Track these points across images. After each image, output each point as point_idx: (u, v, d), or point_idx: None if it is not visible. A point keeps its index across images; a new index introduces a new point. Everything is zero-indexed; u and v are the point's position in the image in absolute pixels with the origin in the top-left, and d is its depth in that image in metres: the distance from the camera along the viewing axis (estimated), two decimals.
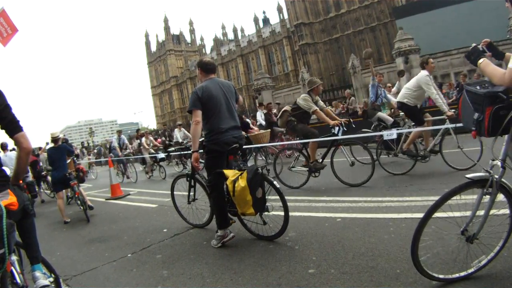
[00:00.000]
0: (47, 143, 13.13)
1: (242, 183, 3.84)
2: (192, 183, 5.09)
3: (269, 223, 4.14)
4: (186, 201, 5.16)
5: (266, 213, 4.10)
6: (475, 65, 2.41)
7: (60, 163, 7.41)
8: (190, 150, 4.77)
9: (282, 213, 4.00)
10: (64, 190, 7.77)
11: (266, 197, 4.05)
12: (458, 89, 15.07)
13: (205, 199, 5.00)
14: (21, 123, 2.64)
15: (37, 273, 2.67)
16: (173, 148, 11.21)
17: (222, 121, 4.25)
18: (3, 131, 2.58)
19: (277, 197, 4.03)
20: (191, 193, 5.12)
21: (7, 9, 8.21)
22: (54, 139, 7.60)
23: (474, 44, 2.47)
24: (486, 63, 2.34)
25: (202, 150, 4.48)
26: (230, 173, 4.06)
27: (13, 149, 9.91)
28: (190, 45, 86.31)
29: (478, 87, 2.38)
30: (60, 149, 7.56)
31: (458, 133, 6.35)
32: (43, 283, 2.62)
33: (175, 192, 5.53)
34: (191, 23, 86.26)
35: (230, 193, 3.95)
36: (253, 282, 3.12)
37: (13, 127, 2.57)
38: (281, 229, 4.02)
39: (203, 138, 4.45)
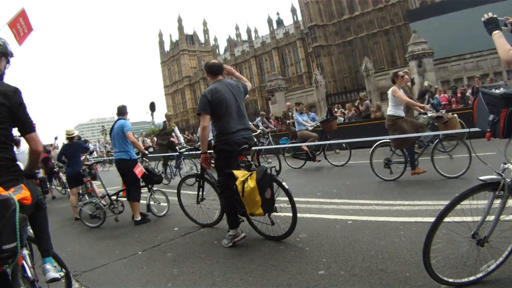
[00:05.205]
0: (56, 138, 13.25)
1: (251, 183, 3.87)
2: (201, 183, 5.14)
3: (277, 223, 4.14)
4: (194, 201, 5.20)
5: (274, 213, 4.12)
6: (489, 34, 2.46)
7: (74, 159, 7.49)
8: (199, 150, 4.82)
9: (291, 214, 4.01)
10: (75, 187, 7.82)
11: (275, 198, 4.07)
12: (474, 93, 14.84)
13: (214, 197, 5.03)
14: (34, 123, 2.67)
15: (48, 266, 2.71)
16: (184, 149, 11.08)
17: (233, 122, 4.28)
18: (16, 129, 2.61)
19: (286, 198, 4.04)
20: (200, 193, 5.16)
21: (25, 7, 8.47)
22: (70, 137, 7.69)
23: (495, 15, 2.49)
24: (499, 35, 2.40)
25: (212, 151, 4.51)
26: (240, 174, 4.09)
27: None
28: (203, 45, 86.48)
29: (494, 89, 2.38)
30: (74, 145, 7.63)
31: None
32: (53, 275, 2.66)
33: (182, 191, 5.57)
34: (205, 23, 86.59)
35: (239, 193, 3.98)
36: (263, 282, 3.13)
37: (25, 127, 2.60)
38: (289, 230, 4.04)
39: (211, 138, 4.48)
